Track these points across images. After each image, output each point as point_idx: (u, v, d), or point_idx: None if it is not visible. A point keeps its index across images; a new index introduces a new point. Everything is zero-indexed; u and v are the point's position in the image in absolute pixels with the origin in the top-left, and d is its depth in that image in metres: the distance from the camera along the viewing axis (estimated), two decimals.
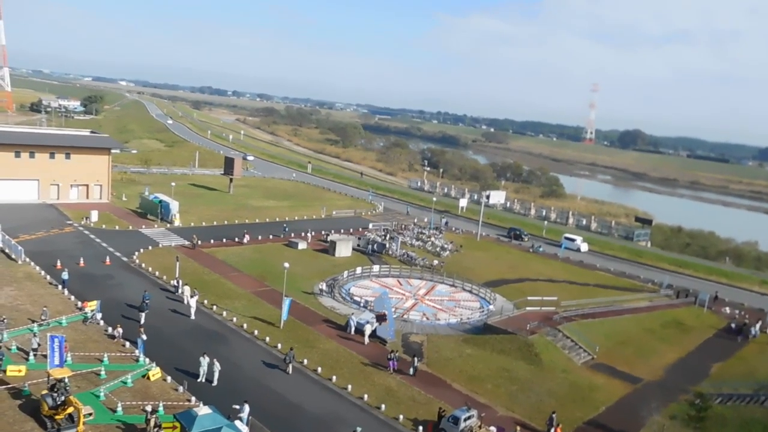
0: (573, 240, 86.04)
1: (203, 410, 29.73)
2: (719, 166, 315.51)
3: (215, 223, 79.32)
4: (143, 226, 73.38)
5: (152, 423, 29.20)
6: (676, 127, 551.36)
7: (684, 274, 79.55)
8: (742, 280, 78.90)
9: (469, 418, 34.28)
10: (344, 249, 69.68)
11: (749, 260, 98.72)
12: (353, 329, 47.03)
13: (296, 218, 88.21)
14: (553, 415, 36.29)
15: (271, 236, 75.29)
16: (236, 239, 70.77)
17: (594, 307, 57.23)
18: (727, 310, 63.54)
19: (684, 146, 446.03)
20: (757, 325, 57.13)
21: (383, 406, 36.73)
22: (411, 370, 41.25)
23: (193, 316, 47.42)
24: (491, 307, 56.24)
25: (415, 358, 42.00)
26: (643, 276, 74.91)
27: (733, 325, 58.18)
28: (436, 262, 70.08)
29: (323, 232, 78.16)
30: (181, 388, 35.63)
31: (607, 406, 40.56)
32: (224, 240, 70.33)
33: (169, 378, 36.88)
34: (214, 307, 49.80)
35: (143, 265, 58.67)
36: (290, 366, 40.18)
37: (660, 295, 66.09)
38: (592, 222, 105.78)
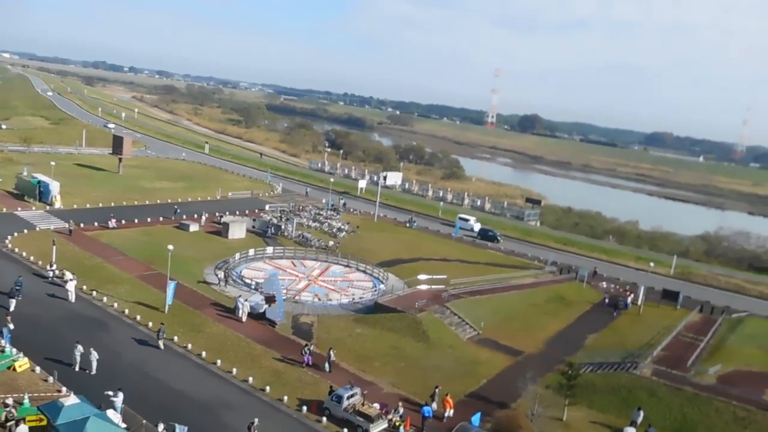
0: (467, 220, 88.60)
1: (70, 400, 28.35)
2: (609, 150, 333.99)
3: (101, 204, 75.55)
4: (19, 209, 68.80)
5: (3, 416, 27.55)
6: (572, 113, 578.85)
7: (569, 251, 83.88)
8: (621, 256, 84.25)
9: (352, 396, 34.68)
10: (238, 231, 68.36)
11: (631, 238, 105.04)
12: (241, 311, 46.32)
13: (190, 200, 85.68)
14: (436, 390, 37.35)
15: (161, 218, 72.66)
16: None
17: (482, 285, 59.23)
18: (604, 284, 67.65)
19: (578, 131, 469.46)
20: (629, 298, 61.22)
21: (268, 388, 36.47)
22: (326, 366, 39.80)
23: (72, 301, 45.21)
24: (382, 286, 56.98)
25: (331, 352, 40.42)
26: (530, 254, 78.34)
27: (607, 299, 62.06)
28: (331, 243, 70.13)
29: (217, 214, 76.31)
30: (51, 379, 33.84)
31: (488, 379, 42.17)
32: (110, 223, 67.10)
33: (38, 368, 34.91)
34: (94, 293, 47.51)
35: (17, 249, 55.06)
36: (161, 342, 39.83)
37: (545, 271, 69.40)
38: (486, 203, 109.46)
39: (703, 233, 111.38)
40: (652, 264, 66.99)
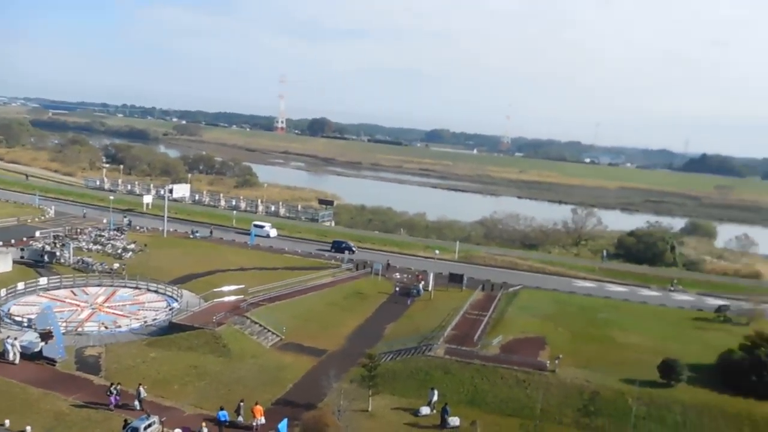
0: (262, 227, 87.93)
1: None
2: (395, 149, 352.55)
3: None
4: None
5: None
6: (358, 115, 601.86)
7: (364, 247, 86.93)
8: (411, 247, 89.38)
9: (149, 426, 32.53)
10: (2, 263, 60.55)
11: (420, 229, 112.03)
12: (12, 354, 41.09)
13: None
14: (241, 403, 36.53)
15: None
16: None
17: (281, 290, 59.07)
18: (398, 275, 71.24)
19: (365, 132, 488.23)
20: (420, 285, 65.15)
21: None
22: (137, 404, 36.38)
23: None
24: (176, 304, 54.18)
25: (141, 388, 36.94)
26: (327, 254, 79.82)
27: (397, 288, 65.48)
28: (117, 265, 65.13)
29: None
30: None
31: (294, 383, 42.22)
32: None
33: None
34: None
35: None
36: None
37: (342, 269, 71.16)
38: (281, 208, 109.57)
39: (482, 218, 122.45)
40: (437, 251, 71.98)
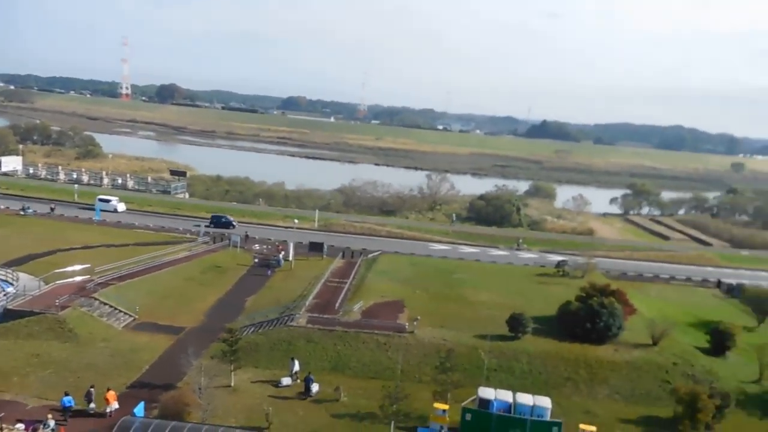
0: (108, 201, 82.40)
1: None
2: (250, 117, 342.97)
3: None
4: None
5: None
6: (211, 82, 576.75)
7: None
8: (270, 217, 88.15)
9: None
10: None
11: (278, 199, 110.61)
12: None
13: None
14: (91, 389, 34.49)
15: None
16: None
17: (133, 267, 55.96)
18: (257, 246, 70.10)
19: (219, 99, 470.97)
20: (281, 255, 64.63)
21: None
22: None
23: None
24: (11, 289, 49.56)
25: None
26: (182, 227, 76.71)
27: (256, 260, 64.58)
28: None
29: None
30: None
31: (150, 364, 40.56)
32: None
33: None
34: None
35: None
36: None
37: (198, 243, 68.74)
38: (128, 180, 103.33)
39: (340, 186, 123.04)
40: (296, 221, 71.54)
